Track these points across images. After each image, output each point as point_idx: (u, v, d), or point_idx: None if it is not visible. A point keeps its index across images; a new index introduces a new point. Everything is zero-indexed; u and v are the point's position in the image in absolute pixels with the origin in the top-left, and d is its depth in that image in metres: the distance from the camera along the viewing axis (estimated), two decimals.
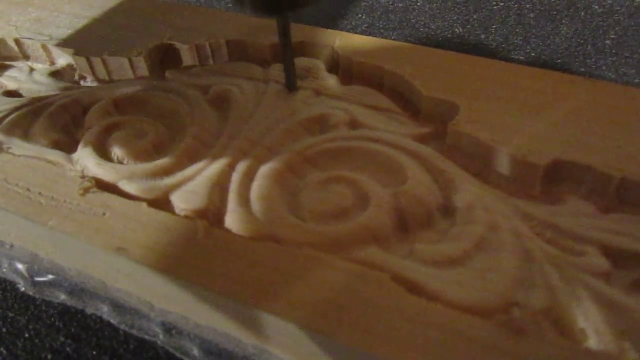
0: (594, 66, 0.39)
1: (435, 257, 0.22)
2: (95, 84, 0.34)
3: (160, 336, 0.24)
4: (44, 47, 0.35)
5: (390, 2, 0.48)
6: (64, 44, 0.34)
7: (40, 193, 0.25)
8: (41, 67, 0.35)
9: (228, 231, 0.23)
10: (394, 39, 0.42)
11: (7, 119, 0.30)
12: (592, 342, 0.19)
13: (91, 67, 0.33)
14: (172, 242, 0.23)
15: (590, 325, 0.19)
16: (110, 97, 0.31)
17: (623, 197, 0.24)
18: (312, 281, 0.21)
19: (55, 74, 0.34)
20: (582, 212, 0.23)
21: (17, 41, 0.35)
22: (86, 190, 0.25)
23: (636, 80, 0.37)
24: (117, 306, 0.26)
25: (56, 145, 0.29)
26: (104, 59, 0.33)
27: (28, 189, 0.25)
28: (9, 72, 0.35)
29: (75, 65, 0.34)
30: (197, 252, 0.22)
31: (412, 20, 0.45)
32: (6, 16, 0.37)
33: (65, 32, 0.35)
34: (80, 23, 0.36)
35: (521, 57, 0.40)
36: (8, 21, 0.37)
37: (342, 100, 0.29)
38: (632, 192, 0.23)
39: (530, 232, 0.22)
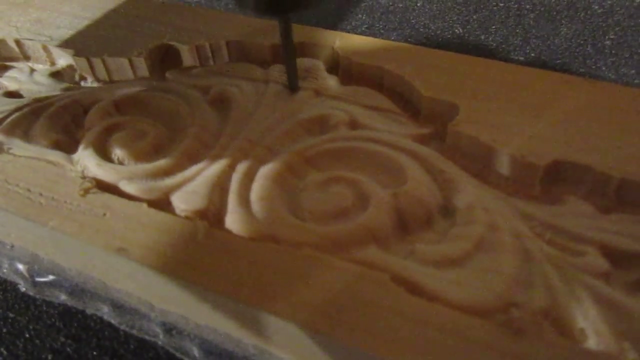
0: (593, 67, 0.39)
1: (435, 257, 0.22)
2: (95, 84, 0.34)
3: (161, 336, 0.24)
4: (44, 47, 0.35)
5: (391, 3, 0.48)
6: (65, 44, 0.34)
7: (40, 194, 0.25)
8: (42, 67, 0.35)
9: (228, 232, 0.23)
10: (394, 40, 0.42)
11: (8, 120, 0.30)
12: (592, 342, 0.19)
13: (91, 68, 0.33)
14: (173, 242, 0.23)
15: (590, 325, 0.19)
16: (110, 97, 0.31)
17: (623, 198, 0.24)
18: (312, 281, 0.21)
19: (56, 75, 0.34)
20: (582, 212, 0.23)
21: (17, 42, 0.35)
22: (87, 191, 0.25)
23: (636, 81, 0.37)
24: (118, 306, 0.26)
25: (57, 145, 0.29)
26: (104, 60, 0.33)
27: (29, 190, 0.25)
28: (10, 73, 0.35)
29: (75, 66, 0.34)
30: (197, 253, 0.22)
31: (412, 21, 0.45)
32: (7, 17, 0.37)
33: (65, 32, 0.35)
34: (80, 24, 0.36)
35: (521, 58, 0.40)
36: (9, 22, 0.37)
37: (342, 101, 0.29)
38: (632, 192, 0.23)
39: (530, 233, 0.22)
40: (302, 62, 0.31)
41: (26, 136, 0.29)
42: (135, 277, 0.24)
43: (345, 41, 0.32)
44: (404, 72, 0.29)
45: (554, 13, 0.45)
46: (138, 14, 0.36)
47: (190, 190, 0.25)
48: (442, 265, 0.22)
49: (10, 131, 0.29)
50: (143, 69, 0.33)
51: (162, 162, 0.27)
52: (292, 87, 0.30)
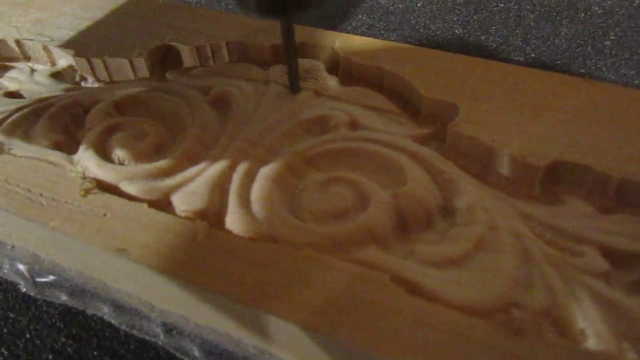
0: (593, 67, 0.39)
1: (435, 257, 0.22)
2: (96, 85, 0.34)
3: (161, 337, 0.24)
4: (44, 48, 0.35)
5: (391, 3, 0.48)
6: (65, 45, 0.34)
7: (41, 194, 0.25)
8: (42, 68, 0.35)
9: (228, 232, 0.23)
10: (394, 40, 0.42)
11: (8, 120, 0.30)
12: (592, 343, 0.19)
13: (92, 68, 0.33)
14: (173, 243, 0.23)
15: (590, 325, 0.19)
16: (111, 98, 0.31)
17: (622, 198, 0.24)
18: (312, 282, 0.21)
19: (56, 75, 0.35)
20: (582, 212, 0.23)
21: (18, 42, 0.35)
22: (87, 191, 0.25)
23: (636, 82, 0.37)
24: (118, 307, 0.26)
25: (57, 146, 0.29)
26: (104, 60, 0.33)
27: (29, 190, 0.25)
28: (10, 73, 0.35)
29: (76, 66, 0.34)
30: (197, 253, 0.22)
31: (412, 22, 0.45)
32: (7, 17, 0.37)
33: (66, 33, 0.35)
34: (80, 24, 0.36)
35: (521, 59, 0.40)
36: (9, 22, 0.37)
37: (342, 102, 0.29)
38: (632, 192, 0.23)
39: (529, 233, 0.23)
40: (302, 63, 0.31)
41: (27, 136, 0.29)
42: (136, 277, 0.24)
43: (345, 42, 0.32)
44: (404, 72, 0.29)
45: (554, 14, 0.45)
46: (138, 14, 0.36)
47: (190, 190, 0.25)
48: (442, 266, 0.22)
49: (11, 131, 0.29)
50: (143, 70, 0.33)
51: (162, 163, 0.27)
52: (294, 87, 0.30)
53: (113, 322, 0.25)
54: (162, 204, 0.25)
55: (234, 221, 0.24)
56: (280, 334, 0.21)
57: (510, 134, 0.25)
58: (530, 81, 0.28)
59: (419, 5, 0.47)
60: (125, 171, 0.26)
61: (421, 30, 0.44)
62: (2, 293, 0.27)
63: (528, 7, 0.46)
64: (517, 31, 0.43)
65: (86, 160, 0.27)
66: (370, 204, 0.24)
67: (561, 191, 0.25)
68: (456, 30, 0.44)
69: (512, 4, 0.46)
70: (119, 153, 0.28)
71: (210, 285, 0.21)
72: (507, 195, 0.24)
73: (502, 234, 0.22)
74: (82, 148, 0.28)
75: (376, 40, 0.33)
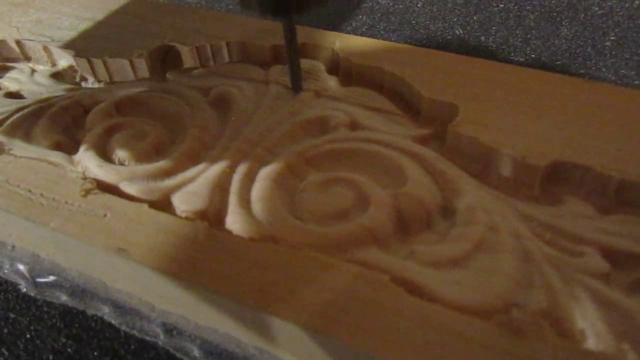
0: (593, 68, 0.39)
1: (435, 258, 0.22)
2: (96, 85, 0.34)
3: (161, 337, 0.25)
4: (45, 48, 0.35)
5: (391, 4, 0.48)
6: (65, 45, 0.34)
7: (41, 194, 0.25)
8: (42, 68, 0.35)
9: (229, 232, 0.23)
10: (394, 41, 0.42)
11: (9, 121, 0.30)
12: (591, 343, 0.19)
13: (92, 69, 0.34)
14: (173, 243, 0.23)
15: (590, 325, 0.19)
16: (111, 98, 0.31)
17: (622, 198, 0.24)
18: (312, 282, 0.21)
19: (57, 76, 0.35)
20: (582, 213, 0.23)
21: (18, 43, 0.35)
22: (87, 192, 0.25)
23: (636, 82, 0.37)
24: (118, 307, 0.26)
25: (57, 146, 0.29)
26: (105, 61, 0.33)
27: (29, 190, 0.25)
28: (11, 74, 0.35)
29: (76, 67, 0.34)
30: (197, 253, 0.22)
31: (413, 22, 0.45)
32: (7, 18, 0.37)
33: (66, 33, 0.35)
34: (81, 25, 0.36)
35: (521, 59, 0.40)
36: (9, 23, 0.37)
37: (343, 102, 0.29)
38: (632, 193, 0.23)
39: (529, 233, 0.23)
40: (303, 63, 0.31)
41: (27, 137, 0.29)
42: (136, 277, 0.24)
43: (345, 42, 0.32)
44: (404, 73, 0.30)
45: (554, 14, 0.45)
46: (139, 14, 0.36)
47: (190, 191, 0.25)
48: (442, 266, 0.22)
49: (11, 132, 0.29)
50: (144, 70, 0.33)
51: (162, 163, 0.27)
52: (296, 88, 0.30)
53: (113, 322, 0.25)
54: (163, 205, 0.25)
55: (234, 221, 0.24)
56: (280, 334, 0.21)
57: (510, 135, 0.25)
58: (530, 81, 0.28)
59: (419, 5, 0.47)
60: (125, 171, 0.26)
61: (421, 31, 0.44)
62: (2, 293, 0.27)
63: (528, 7, 0.46)
64: (517, 32, 0.43)
65: (86, 161, 0.27)
66: (371, 204, 0.24)
67: (561, 191, 0.25)
68: (456, 31, 0.44)
69: (512, 4, 0.46)
70: (119, 153, 0.28)
71: (210, 286, 0.21)
72: (507, 195, 0.24)
73: (502, 235, 0.22)
74: (82, 148, 0.28)
75: (376, 40, 0.33)
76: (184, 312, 0.25)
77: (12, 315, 0.26)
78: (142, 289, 0.25)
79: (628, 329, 0.19)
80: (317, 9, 0.26)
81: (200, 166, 0.26)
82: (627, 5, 0.45)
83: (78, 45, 0.34)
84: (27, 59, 0.36)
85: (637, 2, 0.45)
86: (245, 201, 0.25)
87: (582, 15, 0.44)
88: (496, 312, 0.20)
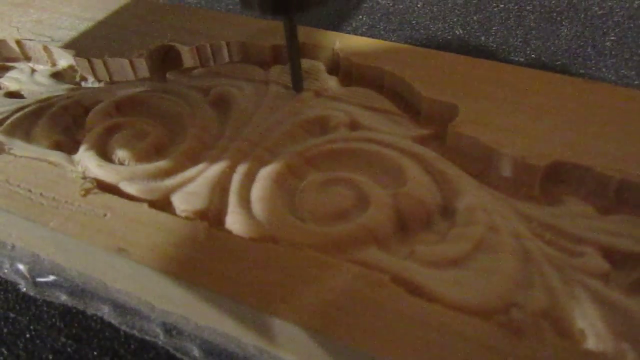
0: (594, 68, 0.39)
1: (435, 258, 0.22)
2: (96, 85, 0.34)
3: (161, 337, 0.25)
4: (45, 48, 0.35)
5: (391, 4, 0.48)
6: (66, 45, 0.34)
7: (41, 194, 0.25)
8: (42, 68, 0.35)
9: (228, 232, 0.23)
10: (394, 41, 0.42)
11: (9, 120, 0.30)
12: (591, 343, 0.19)
13: (92, 69, 0.34)
14: (173, 243, 0.23)
15: (589, 326, 0.19)
16: (111, 98, 0.31)
17: (622, 199, 0.24)
18: (312, 282, 0.21)
19: (57, 75, 0.35)
20: (582, 213, 0.23)
21: (18, 42, 0.35)
22: (87, 192, 0.25)
23: (636, 82, 0.37)
24: (118, 307, 0.26)
25: (57, 146, 0.29)
26: (105, 60, 0.33)
27: (29, 190, 0.25)
28: (11, 74, 0.35)
29: (76, 67, 0.34)
30: (197, 253, 0.22)
31: (413, 22, 0.45)
32: (7, 17, 0.37)
33: (66, 33, 0.35)
34: (81, 24, 0.36)
35: (521, 59, 0.40)
36: (9, 22, 0.37)
37: (343, 102, 0.29)
38: (632, 193, 0.23)
39: (529, 233, 0.23)
40: (303, 63, 0.31)
41: (27, 137, 0.29)
42: (136, 277, 0.24)
43: (345, 42, 0.32)
44: (404, 73, 0.30)
45: (554, 14, 0.45)
46: (139, 14, 0.36)
47: (190, 190, 0.25)
48: (442, 266, 0.22)
49: (12, 132, 0.29)
50: (144, 70, 0.33)
51: (162, 163, 0.27)
52: (297, 88, 0.30)
53: (113, 322, 0.25)
54: (162, 204, 0.25)
55: (234, 221, 0.24)
56: (280, 334, 0.21)
57: (510, 135, 0.25)
58: (531, 82, 0.28)
59: (419, 6, 0.47)
60: (125, 171, 0.26)
61: (421, 31, 0.44)
62: (2, 293, 0.27)
63: (528, 7, 0.46)
64: (517, 32, 0.43)
65: (86, 161, 0.27)
66: (371, 204, 0.24)
67: (561, 191, 0.25)
68: (456, 31, 0.44)
69: (512, 4, 0.46)
70: (119, 153, 0.28)
71: (210, 285, 0.21)
72: (507, 195, 0.24)
73: (502, 235, 0.22)
74: (82, 148, 0.28)
75: (376, 40, 0.33)
76: (184, 312, 0.25)
77: (11, 315, 0.26)
78: (142, 288, 0.25)
79: (628, 329, 0.19)
80: (317, 9, 0.26)
81: (200, 166, 0.26)
82: (627, 5, 0.45)
83: (78, 45, 0.34)
84: (27, 58, 0.36)
85: (637, 3, 0.45)
86: (245, 201, 0.25)
87: (582, 15, 0.44)
88: (496, 312, 0.20)
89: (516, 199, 0.24)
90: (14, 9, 0.38)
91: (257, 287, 0.21)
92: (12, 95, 0.33)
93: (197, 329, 0.24)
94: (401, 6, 0.47)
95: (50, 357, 0.24)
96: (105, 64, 0.33)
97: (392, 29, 0.44)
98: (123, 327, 0.25)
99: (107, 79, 0.34)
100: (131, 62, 0.33)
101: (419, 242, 0.23)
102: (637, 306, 0.20)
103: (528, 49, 0.41)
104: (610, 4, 0.45)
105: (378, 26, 0.45)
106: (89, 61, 0.33)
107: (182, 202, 0.25)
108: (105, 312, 0.26)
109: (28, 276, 0.27)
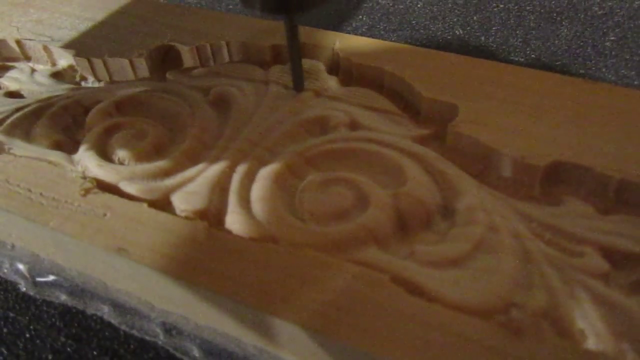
0: (594, 68, 0.39)
1: (435, 258, 0.22)
2: (96, 85, 0.34)
3: (161, 336, 0.24)
4: (45, 48, 0.35)
5: (391, 4, 0.48)
6: (66, 45, 0.34)
7: (41, 194, 0.25)
8: (42, 68, 0.35)
9: (228, 232, 0.23)
10: (394, 41, 0.42)
11: (9, 120, 0.30)
12: (591, 343, 0.19)
13: (92, 68, 0.34)
14: (173, 242, 0.23)
15: (589, 326, 0.19)
16: (111, 98, 0.31)
17: (622, 199, 0.24)
18: (312, 282, 0.21)
19: (57, 75, 0.35)
20: (582, 213, 0.23)
21: (18, 42, 0.35)
22: (87, 191, 0.25)
23: (636, 82, 0.37)
24: (118, 307, 0.26)
25: (57, 146, 0.29)
26: (105, 60, 0.33)
27: (29, 190, 0.25)
28: (11, 73, 0.35)
29: (76, 66, 0.34)
30: (197, 253, 0.22)
31: (413, 22, 0.45)
32: (7, 17, 0.37)
33: (66, 33, 0.35)
34: (81, 24, 0.36)
35: (521, 59, 0.40)
36: (9, 22, 0.37)
37: (342, 102, 0.29)
38: (631, 193, 0.23)
39: (529, 233, 0.23)
40: (303, 63, 0.31)
41: (27, 136, 0.29)
42: (136, 277, 0.24)
43: (345, 42, 0.32)
44: (404, 73, 0.30)
45: (554, 14, 0.45)
46: (139, 14, 0.36)
47: (190, 190, 0.25)
48: (442, 266, 0.22)
49: (11, 131, 0.29)
50: (144, 70, 0.33)
51: (162, 163, 0.27)
52: (298, 88, 0.30)
53: (113, 321, 0.25)
54: (162, 204, 0.25)
55: (233, 221, 0.24)
56: (280, 334, 0.21)
57: (510, 135, 0.25)
58: (531, 82, 0.28)
59: (419, 6, 0.47)
60: (125, 171, 0.26)
61: (421, 31, 0.44)
62: (2, 293, 0.27)
63: (528, 7, 0.46)
64: (517, 32, 0.43)
65: (86, 160, 0.27)
66: (370, 204, 0.24)
67: (561, 192, 0.25)
68: (456, 31, 0.44)
69: (512, 4, 0.46)
70: (119, 153, 0.28)
71: (210, 285, 0.21)
72: (507, 195, 0.24)
73: (502, 235, 0.22)
74: (82, 148, 0.28)
75: (376, 40, 0.33)
76: (183, 312, 0.25)
77: (11, 315, 0.26)
78: (141, 288, 0.25)
79: (628, 329, 0.19)
80: (318, 8, 0.26)
81: (200, 166, 0.26)
82: (627, 5, 0.45)
83: (78, 45, 0.34)
84: (27, 58, 0.36)
85: (637, 3, 0.45)
86: (245, 201, 0.25)
87: (582, 15, 0.44)
88: (496, 312, 0.20)
89: (516, 199, 0.24)
90: (14, 8, 0.38)
91: (257, 287, 0.21)
92: (12, 95, 0.33)
93: (197, 328, 0.24)
94: (401, 6, 0.47)
95: (50, 357, 0.24)
96: (105, 63, 0.33)
97: (392, 29, 0.44)
98: (123, 327, 0.25)
99: (107, 79, 0.34)
100: (131, 62, 0.33)
101: (419, 242, 0.23)
102: (637, 306, 0.20)
103: (528, 49, 0.41)
104: (610, 4, 0.45)
105: (378, 26, 0.45)
106: (89, 61, 0.33)
107: (182, 202, 0.25)
108: (105, 311, 0.26)
109: (28, 276, 0.27)
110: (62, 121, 0.30)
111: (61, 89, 0.33)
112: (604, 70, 0.39)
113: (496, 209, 0.23)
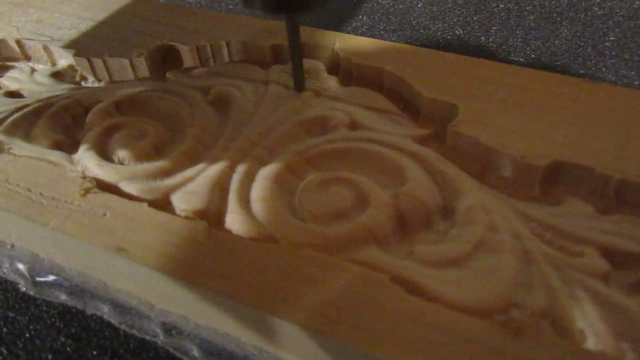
0: (593, 68, 0.39)
1: (435, 258, 0.22)
2: (96, 84, 0.34)
3: (161, 336, 0.24)
4: (45, 48, 0.35)
5: (391, 4, 0.48)
6: (65, 44, 0.34)
7: (41, 193, 0.25)
8: (42, 67, 0.35)
9: (228, 232, 0.23)
10: (394, 41, 0.42)
11: (9, 120, 0.30)
12: (591, 343, 0.19)
13: (92, 68, 0.34)
14: (173, 242, 0.23)
15: (589, 326, 0.19)
16: (111, 98, 0.31)
17: (622, 198, 0.24)
18: (312, 282, 0.21)
19: (57, 75, 0.35)
20: (581, 213, 0.23)
21: (18, 42, 0.35)
22: (87, 191, 0.25)
23: (636, 82, 0.37)
24: (118, 306, 0.26)
25: (57, 145, 0.29)
26: (105, 60, 0.33)
27: (29, 190, 0.25)
28: (11, 73, 0.35)
29: (76, 66, 0.34)
30: (197, 253, 0.22)
31: (413, 22, 0.45)
32: (7, 17, 0.37)
33: (66, 33, 0.35)
34: (81, 24, 0.36)
35: (521, 59, 0.40)
36: (9, 22, 0.37)
37: (342, 102, 0.29)
38: (631, 193, 0.23)
39: (529, 233, 0.23)
40: (303, 63, 0.31)
41: (27, 136, 0.29)
42: (136, 277, 0.24)
43: (345, 42, 0.32)
44: (404, 73, 0.30)
45: (554, 15, 0.45)
46: (139, 14, 0.36)
47: (190, 190, 0.25)
48: (442, 266, 0.22)
49: (11, 131, 0.29)
50: (144, 70, 0.33)
51: (162, 163, 0.27)
52: (298, 87, 0.30)
53: (112, 321, 0.25)
54: (162, 204, 0.25)
55: (233, 221, 0.24)
56: (280, 334, 0.21)
57: (510, 135, 0.25)
58: (530, 82, 0.28)
59: (419, 6, 0.47)
60: (125, 171, 0.26)
61: (421, 31, 0.44)
62: (1, 292, 0.27)
63: (528, 7, 0.46)
64: (517, 32, 0.43)
65: (86, 160, 0.27)
66: (370, 204, 0.24)
67: (561, 192, 0.25)
68: (456, 31, 0.44)
69: (512, 4, 0.46)
70: (119, 153, 0.28)
71: (209, 285, 0.21)
72: (507, 195, 0.24)
73: (502, 234, 0.22)
74: (82, 148, 0.28)
75: (376, 40, 0.33)
76: (183, 312, 0.25)
77: (11, 315, 0.26)
78: (141, 288, 0.25)
79: (628, 329, 0.19)
80: (319, 8, 0.26)
81: (200, 166, 0.26)
82: (627, 5, 0.45)
83: (78, 45, 0.34)
84: (27, 58, 0.36)
85: (637, 3, 0.45)
86: (244, 201, 0.25)
87: (582, 15, 0.44)
88: (496, 311, 0.20)
89: (516, 199, 0.24)
90: (14, 8, 0.38)
91: (257, 287, 0.21)
92: (12, 94, 0.33)
93: (197, 328, 0.24)
94: (401, 6, 0.47)
95: (50, 357, 0.24)
96: (105, 63, 0.33)
97: (392, 29, 0.44)
98: (122, 327, 0.25)
99: (107, 79, 0.34)
100: (131, 62, 0.33)
101: (419, 242, 0.23)
102: (637, 306, 0.20)
103: (528, 49, 0.41)
104: (610, 4, 0.45)
105: (378, 26, 0.45)
106: (89, 61, 0.33)
107: (182, 202, 0.25)
108: (105, 311, 0.26)
109: (27, 276, 0.27)
110: (62, 121, 0.30)
111: (61, 88, 0.33)
112: (604, 70, 0.39)
113: (496, 209, 0.23)
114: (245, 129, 0.28)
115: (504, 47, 0.42)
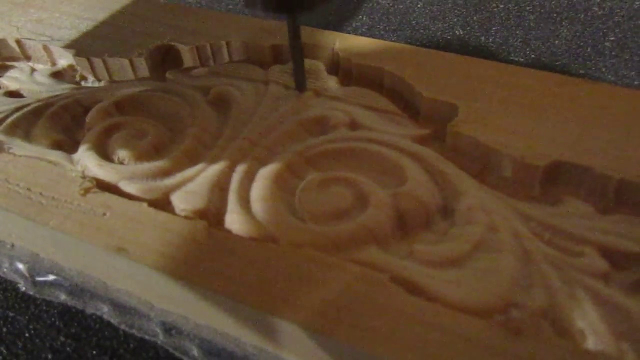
0: (593, 68, 0.39)
1: (435, 257, 0.22)
2: (96, 84, 0.34)
3: (160, 336, 0.24)
4: (45, 47, 0.35)
5: (391, 4, 0.48)
6: (65, 44, 0.34)
7: (41, 193, 0.25)
8: (42, 67, 0.35)
9: (228, 232, 0.23)
10: (394, 41, 0.42)
11: (9, 120, 0.30)
12: (591, 343, 0.19)
13: (92, 68, 0.34)
14: (172, 242, 0.23)
15: (589, 325, 0.19)
16: (111, 97, 0.31)
17: (622, 198, 0.24)
18: (312, 282, 0.21)
19: (57, 75, 0.35)
20: (581, 213, 0.23)
21: (18, 42, 0.35)
22: (87, 191, 0.25)
23: (636, 82, 0.37)
24: (117, 306, 0.26)
25: (57, 145, 0.29)
26: (104, 60, 0.33)
27: (29, 189, 0.25)
28: (10, 73, 0.35)
29: (76, 66, 0.34)
30: (197, 253, 0.22)
31: (413, 22, 0.45)
32: (7, 17, 0.37)
33: (66, 32, 0.35)
34: (81, 24, 0.36)
35: (521, 59, 0.40)
36: (9, 22, 0.37)
37: (342, 102, 0.29)
38: (631, 193, 0.23)
39: (529, 233, 0.23)
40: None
41: (27, 136, 0.29)
42: (135, 276, 0.24)
43: (345, 42, 0.32)
44: (404, 73, 0.30)
45: (554, 15, 0.45)
46: (139, 14, 0.36)
47: (190, 190, 0.25)
48: (442, 266, 0.22)
49: (11, 131, 0.29)
50: (144, 69, 0.33)
51: (162, 162, 0.27)
52: (300, 87, 0.30)
53: (112, 321, 0.25)
54: (162, 204, 0.25)
55: (233, 221, 0.24)
56: (280, 334, 0.21)
57: (510, 135, 0.25)
58: (530, 82, 0.28)
59: (419, 6, 0.47)
60: (125, 171, 0.26)
61: (421, 31, 0.44)
62: (1, 292, 0.27)
63: (528, 8, 0.46)
64: (517, 32, 0.43)
65: (86, 160, 0.27)
66: (370, 204, 0.24)
67: (561, 191, 0.25)
68: (456, 31, 0.44)
69: (512, 4, 0.46)
70: (119, 152, 0.28)
71: (209, 285, 0.21)
72: (506, 195, 0.24)
73: (502, 234, 0.22)
74: (82, 147, 0.28)
75: (376, 40, 0.33)
76: (183, 311, 0.25)
77: (11, 314, 0.26)
78: (141, 288, 0.25)
79: (628, 329, 0.19)
80: (320, 8, 0.25)
81: (200, 165, 0.26)
82: (627, 5, 0.45)
83: (78, 45, 0.34)
84: (27, 58, 0.36)
85: (637, 3, 0.45)
86: (244, 200, 0.25)
87: (582, 15, 0.44)
88: (495, 311, 0.20)
89: (516, 199, 0.24)
90: (14, 8, 0.38)
91: (257, 286, 0.21)
92: (12, 94, 0.33)
93: (197, 328, 0.24)
94: (401, 6, 0.47)
95: (50, 357, 0.24)
96: (105, 63, 0.33)
97: (392, 29, 0.44)
98: (122, 327, 0.25)
99: (107, 79, 0.34)
100: (131, 62, 0.33)
101: (419, 241, 0.23)
102: (637, 306, 0.20)
103: (528, 49, 0.41)
104: (610, 4, 0.45)
105: (378, 26, 0.45)
106: (89, 60, 0.33)
107: (182, 202, 0.25)
108: (105, 311, 0.26)
109: (27, 275, 0.27)
110: (61, 121, 0.30)
111: (61, 88, 0.33)
112: (604, 70, 0.39)
113: (496, 208, 0.23)
114: (245, 129, 0.28)
115: (504, 47, 0.42)
